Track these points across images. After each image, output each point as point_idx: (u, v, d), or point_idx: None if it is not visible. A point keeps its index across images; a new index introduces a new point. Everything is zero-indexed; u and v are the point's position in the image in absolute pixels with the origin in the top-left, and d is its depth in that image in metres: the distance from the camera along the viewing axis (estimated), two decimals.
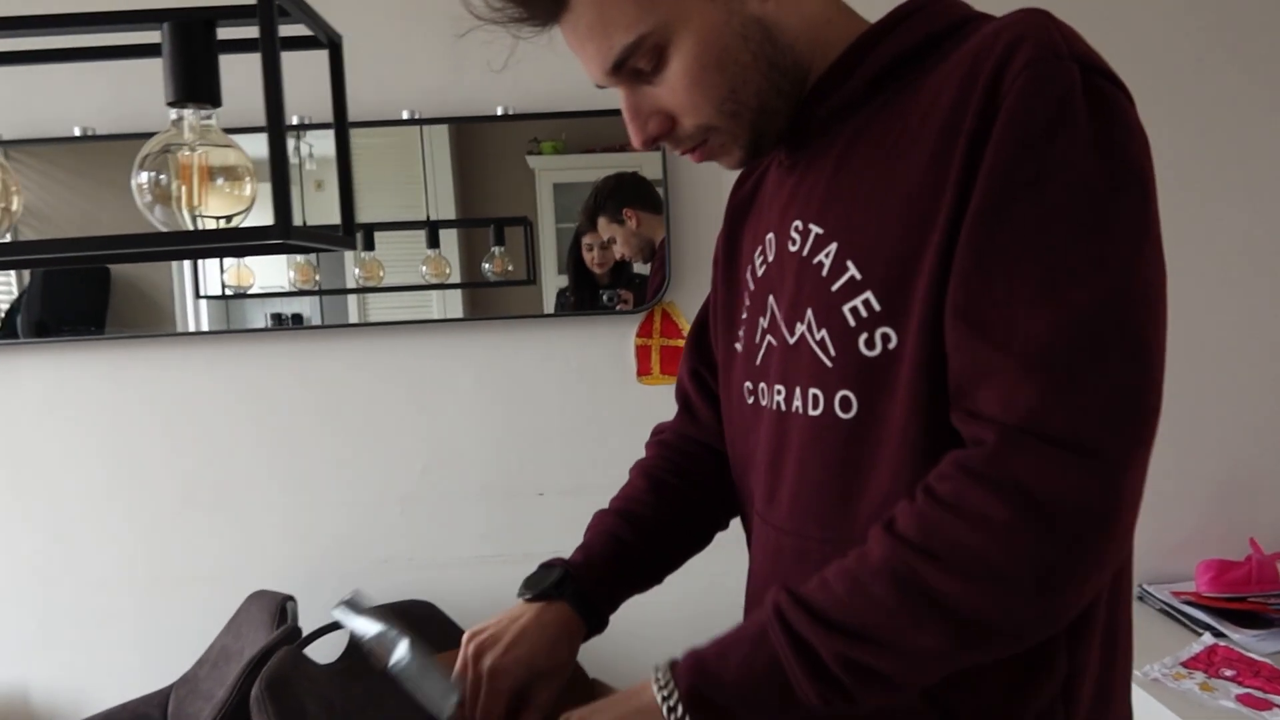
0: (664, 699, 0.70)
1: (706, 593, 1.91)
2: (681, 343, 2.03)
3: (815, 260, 0.77)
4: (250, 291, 2.00)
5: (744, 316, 0.90)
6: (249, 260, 2.00)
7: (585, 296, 2.00)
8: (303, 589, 1.85)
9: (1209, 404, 2.00)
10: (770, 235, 0.85)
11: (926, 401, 0.71)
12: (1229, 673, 1.64)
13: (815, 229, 0.78)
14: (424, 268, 1.99)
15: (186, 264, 1.99)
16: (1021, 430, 0.63)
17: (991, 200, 0.66)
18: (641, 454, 1.09)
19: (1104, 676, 0.77)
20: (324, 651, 1.70)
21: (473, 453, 2.00)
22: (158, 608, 1.98)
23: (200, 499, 1.98)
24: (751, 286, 0.88)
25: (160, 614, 1.98)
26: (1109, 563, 0.65)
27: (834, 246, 0.76)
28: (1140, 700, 1.59)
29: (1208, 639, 1.77)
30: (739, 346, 0.91)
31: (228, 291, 2.00)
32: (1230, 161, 2.01)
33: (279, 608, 1.70)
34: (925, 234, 0.69)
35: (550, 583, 0.93)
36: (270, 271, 2.02)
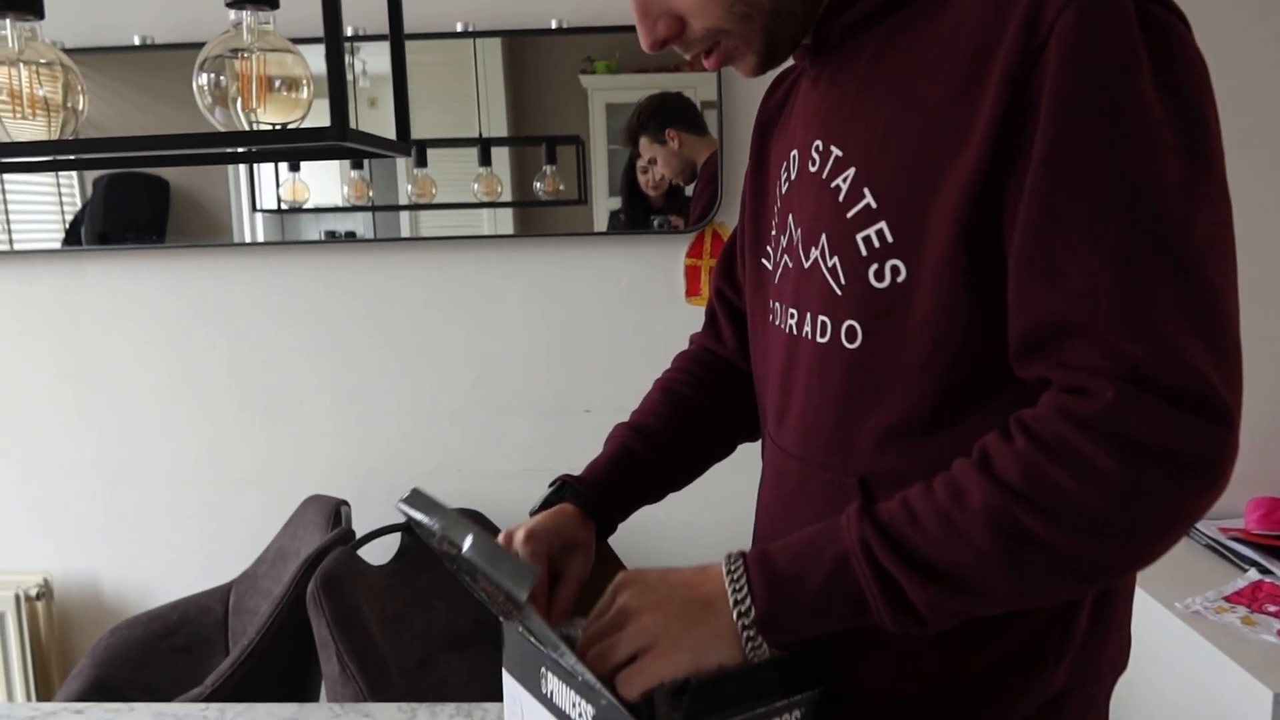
0: (739, 615, 0.68)
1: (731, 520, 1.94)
2: None
3: (833, 184, 0.76)
4: (305, 207, 2.03)
5: (772, 233, 0.89)
6: (304, 175, 2.03)
7: (638, 218, 2.00)
8: (355, 494, 1.91)
9: (1261, 342, 1.95)
10: (794, 152, 0.83)
11: (949, 340, 0.69)
12: (1272, 608, 1.63)
13: (835, 151, 0.76)
14: (476, 185, 1.99)
15: (244, 177, 2.01)
16: (1132, 383, 0.61)
17: (1056, 148, 0.63)
18: None
19: (1102, 601, 0.77)
20: (376, 555, 1.76)
21: (521, 369, 2.03)
22: (218, 508, 2.06)
23: (256, 405, 2.04)
24: (778, 203, 0.87)
25: (220, 514, 2.06)
26: (1204, 513, 0.64)
27: (852, 171, 0.74)
28: (1179, 632, 1.59)
29: (1253, 575, 1.75)
30: (766, 264, 0.90)
31: (283, 206, 2.03)
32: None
33: (333, 511, 1.76)
34: (947, 169, 0.67)
35: (550, 492, 0.94)
36: (325, 188, 2.04)
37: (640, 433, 1.00)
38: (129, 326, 2.03)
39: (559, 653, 0.70)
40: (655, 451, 0.99)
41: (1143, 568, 0.67)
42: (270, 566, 1.79)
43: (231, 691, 1.39)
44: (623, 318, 2.01)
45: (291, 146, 1.04)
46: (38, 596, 1.98)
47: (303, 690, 1.46)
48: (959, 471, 0.66)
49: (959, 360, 0.70)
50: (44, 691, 1.99)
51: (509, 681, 0.83)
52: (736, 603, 0.69)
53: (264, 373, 2.03)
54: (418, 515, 0.75)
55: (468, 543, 0.69)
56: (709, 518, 1.97)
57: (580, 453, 2.15)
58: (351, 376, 2.03)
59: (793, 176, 0.84)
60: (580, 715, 0.71)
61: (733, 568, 0.70)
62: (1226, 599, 1.68)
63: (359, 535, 1.72)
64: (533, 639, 0.76)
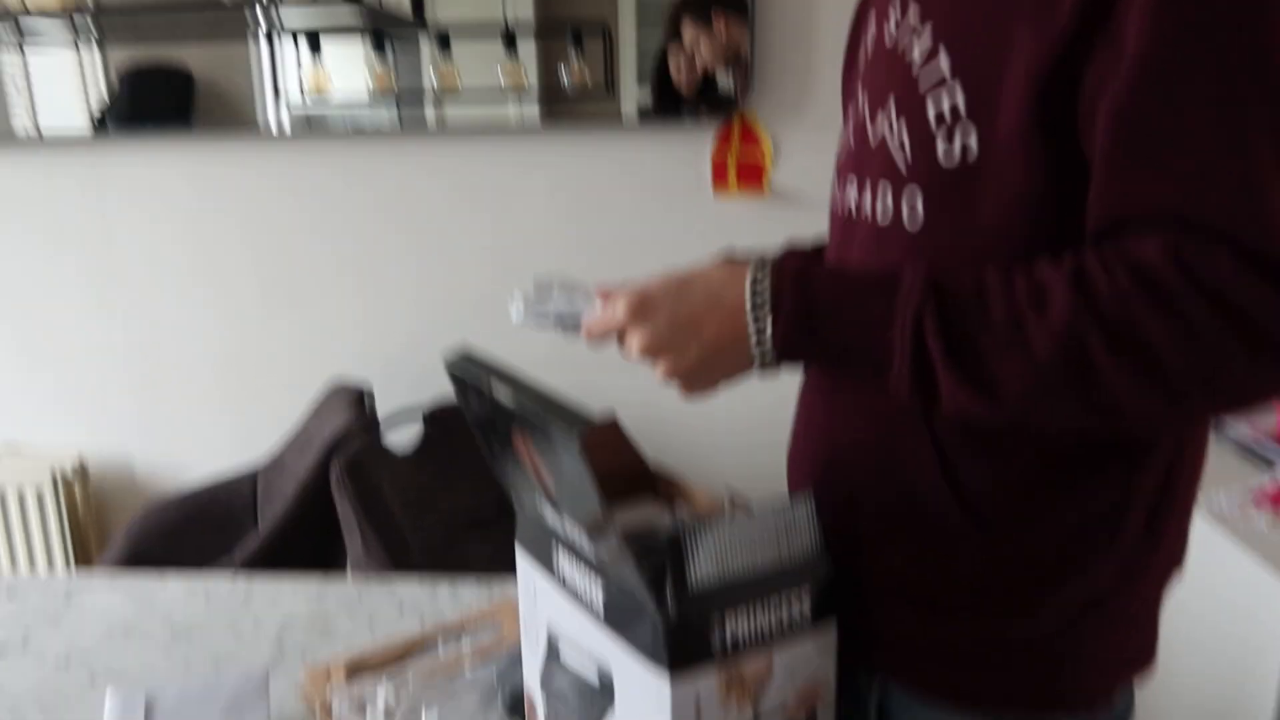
0: (756, 330, 0.66)
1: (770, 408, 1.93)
2: (761, 156, 1.96)
3: (906, 44, 0.72)
4: (329, 100, 1.99)
5: (852, 100, 0.84)
6: (328, 66, 1.98)
7: (667, 111, 1.94)
8: (378, 381, 1.93)
9: None
10: (875, 20, 0.79)
11: (1016, 226, 0.66)
12: None
13: (914, 8, 0.73)
14: (501, 76, 1.94)
15: (267, 67, 1.97)
16: (1242, 259, 0.58)
17: (1162, 21, 0.59)
18: None
19: (1160, 506, 0.75)
20: (399, 441, 1.78)
21: (544, 261, 2.01)
22: (245, 394, 2.09)
23: (279, 294, 2.04)
24: (861, 68, 0.83)
25: (247, 399, 2.09)
26: (1268, 390, 0.62)
27: (929, 27, 0.70)
28: (1203, 531, 1.59)
29: None
30: (845, 132, 0.86)
31: (307, 98, 2.00)
32: None
33: (356, 398, 1.78)
34: (1031, 31, 0.64)
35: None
36: (349, 82, 2.00)
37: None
38: (154, 215, 2.03)
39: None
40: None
41: (1193, 426, 0.65)
42: (298, 451, 1.82)
43: (259, 565, 1.43)
44: (648, 211, 1.98)
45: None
46: (74, 475, 2.04)
47: (328, 562, 1.50)
48: (1049, 278, 0.62)
49: (1025, 248, 0.66)
50: (83, 562, 2.06)
51: (523, 561, 0.84)
52: (755, 308, 0.66)
53: (286, 262, 2.03)
54: (463, 373, 0.74)
55: (517, 390, 0.67)
56: (719, 411, 1.96)
57: (635, 357, 2.13)
58: (374, 266, 2.02)
59: (869, 50, 0.80)
60: (591, 592, 0.71)
61: (761, 276, 0.67)
62: (1253, 498, 1.66)
63: (381, 420, 1.74)
64: (552, 512, 0.76)
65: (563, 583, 0.76)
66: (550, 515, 0.75)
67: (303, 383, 1.99)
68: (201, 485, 1.89)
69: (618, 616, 0.68)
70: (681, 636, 0.63)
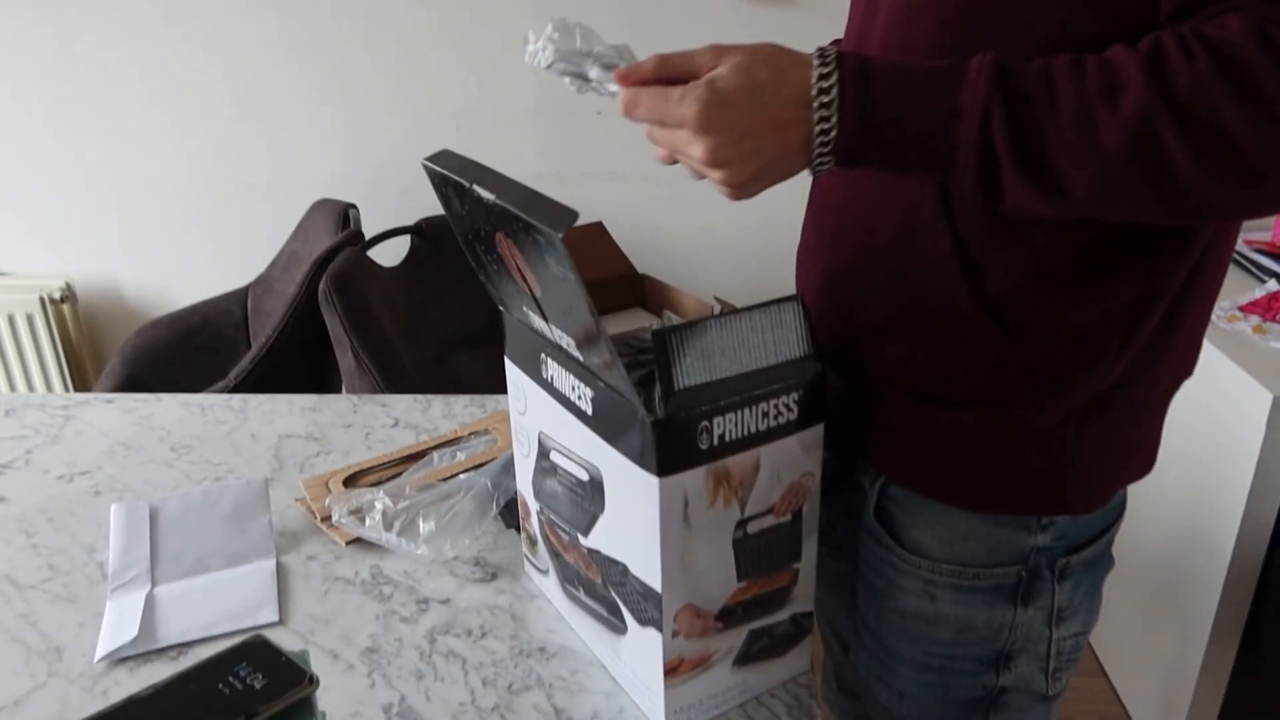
0: (820, 134, 0.61)
1: (767, 218, 1.90)
2: None
3: None
4: None
5: None
6: None
7: None
8: (363, 199, 1.88)
9: None
10: None
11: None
12: None
13: None
14: None
15: None
16: None
17: None
18: None
19: (1177, 307, 0.74)
20: (386, 257, 1.76)
21: (528, 69, 1.91)
22: (228, 214, 2.05)
23: (253, 111, 1.96)
24: None
25: (231, 220, 2.05)
26: None
27: None
28: None
29: (1272, 285, 1.73)
30: None
31: None
32: None
33: (341, 214, 1.74)
34: None
35: None
36: None
37: None
38: (117, 30, 1.92)
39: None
40: None
41: (1243, 219, 0.63)
42: (284, 270, 1.80)
43: (253, 386, 1.44)
44: (635, 12, 1.87)
45: None
46: (62, 299, 2.02)
47: (322, 387, 1.52)
48: (1122, 66, 0.58)
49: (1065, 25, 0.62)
50: (81, 389, 2.08)
51: (512, 370, 0.83)
52: (822, 107, 0.61)
53: (257, 77, 1.94)
54: (444, 171, 0.71)
55: (499, 188, 0.64)
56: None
57: (592, 156, 2.09)
58: (351, 80, 1.93)
59: None
60: (580, 397, 0.71)
61: (826, 71, 0.61)
62: (1241, 308, 1.67)
63: (368, 237, 1.71)
64: (538, 318, 0.75)
65: (552, 389, 0.76)
66: (538, 322, 0.74)
67: (286, 202, 1.95)
68: (191, 307, 1.89)
69: (606, 419, 0.68)
70: (669, 437, 0.64)
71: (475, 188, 0.67)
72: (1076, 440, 0.77)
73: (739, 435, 0.67)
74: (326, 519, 0.99)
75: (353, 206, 1.76)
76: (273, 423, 1.23)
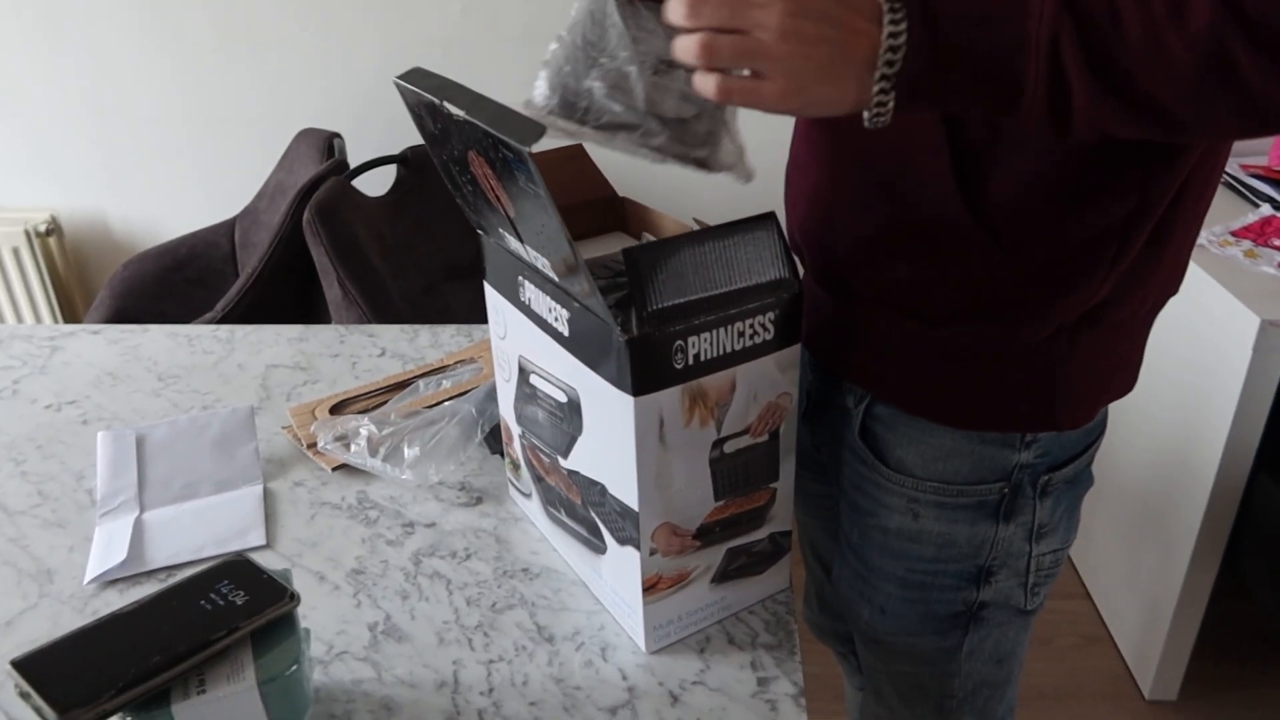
0: (883, 70, 0.57)
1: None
2: None
3: None
4: None
5: None
6: None
7: None
8: (348, 128, 1.86)
9: None
10: None
11: None
12: (1278, 242, 1.61)
13: None
14: None
15: None
16: None
17: None
18: None
19: (1168, 220, 0.73)
20: (372, 187, 1.74)
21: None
22: (213, 145, 2.02)
23: (234, 39, 1.92)
24: None
25: (216, 151, 2.02)
26: None
27: None
28: None
29: (1265, 210, 1.72)
30: None
31: None
32: None
33: (326, 144, 1.72)
34: None
35: None
36: None
37: None
38: None
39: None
40: None
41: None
42: (270, 201, 1.78)
43: (240, 317, 1.44)
44: None
45: None
46: (47, 233, 2.01)
47: (309, 317, 1.52)
48: None
49: None
50: (70, 321, 2.08)
51: (491, 294, 0.83)
52: (890, 44, 0.56)
53: (239, 3, 1.89)
54: (416, 89, 0.70)
55: (469, 104, 0.63)
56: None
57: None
58: (331, 6, 1.89)
59: None
60: (556, 319, 0.71)
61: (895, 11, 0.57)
62: (1233, 233, 1.66)
63: (353, 167, 1.69)
64: (514, 239, 0.75)
65: (529, 312, 0.76)
66: (514, 244, 0.74)
67: (271, 132, 1.92)
68: (179, 240, 1.87)
69: (582, 341, 0.69)
70: (643, 357, 0.64)
71: (445, 105, 0.66)
72: (1066, 356, 0.77)
73: (714, 355, 0.67)
74: (312, 445, 1.00)
75: (337, 136, 1.74)
76: (259, 353, 1.23)
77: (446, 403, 1.05)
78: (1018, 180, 0.71)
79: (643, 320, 0.63)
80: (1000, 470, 0.79)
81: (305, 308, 1.50)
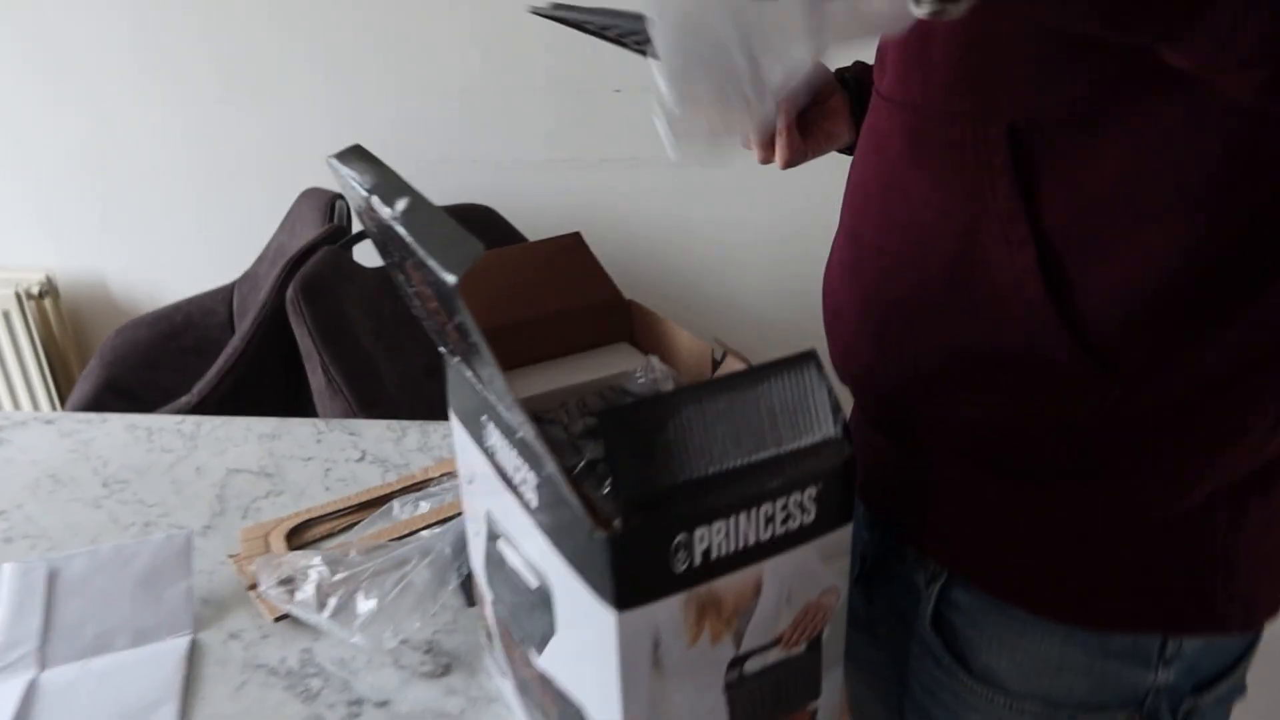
0: None
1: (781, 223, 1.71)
2: None
3: None
4: None
5: None
6: None
7: None
8: None
9: None
10: None
11: None
12: None
13: None
14: None
15: None
16: None
17: None
18: None
19: None
20: (373, 255, 1.59)
21: (539, 40, 1.72)
22: (216, 203, 1.89)
23: (241, 89, 1.80)
24: None
25: (222, 208, 1.90)
26: None
27: None
28: None
29: None
30: None
31: None
32: None
33: (329, 205, 1.57)
34: None
35: None
36: None
37: None
38: (95, 6, 1.76)
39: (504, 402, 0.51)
40: None
41: None
42: (270, 265, 1.64)
43: (220, 400, 1.29)
44: None
45: None
46: (42, 294, 1.89)
47: (299, 402, 1.36)
48: None
49: None
50: (66, 389, 1.95)
51: (457, 426, 0.66)
52: None
53: (244, 53, 1.77)
54: (349, 171, 0.54)
55: (400, 206, 0.47)
56: (752, 218, 1.74)
57: (610, 138, 1.88)
58: (343, 53, 1.75)
59: None
60: (523, 482, 0.53)
61: None
62: None
63: (355, 232, 1.54)
64: (470, 373, 0.57)
65: (495, 463, 0.58)
66: (470, 374, 0.56)
67: (277, 190, 1.78)
68: (174, 306, 1.74)
69: (553, 518, 0.50)
70: (631, 558, 0.45)
71: (374, 200, 0.49)
72: (1228, 531, 0.57)
73: (731, 549, 0.48)
74: (254, 587, 0.83)
75: (340, 197, 1.60)
76: (224, 453, 1.07)
77: (423, 532, 0.88)
78: (1131, 284, 0.52)
79: (630, 511, 0.45)
80: (1129, 694, 0.59)
81: (293, 389, 1.34)
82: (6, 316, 1.83)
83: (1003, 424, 0.58)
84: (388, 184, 0.51)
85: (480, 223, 1.62)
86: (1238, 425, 0.54)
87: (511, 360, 0.70)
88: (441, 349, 0.63)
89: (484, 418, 0.58)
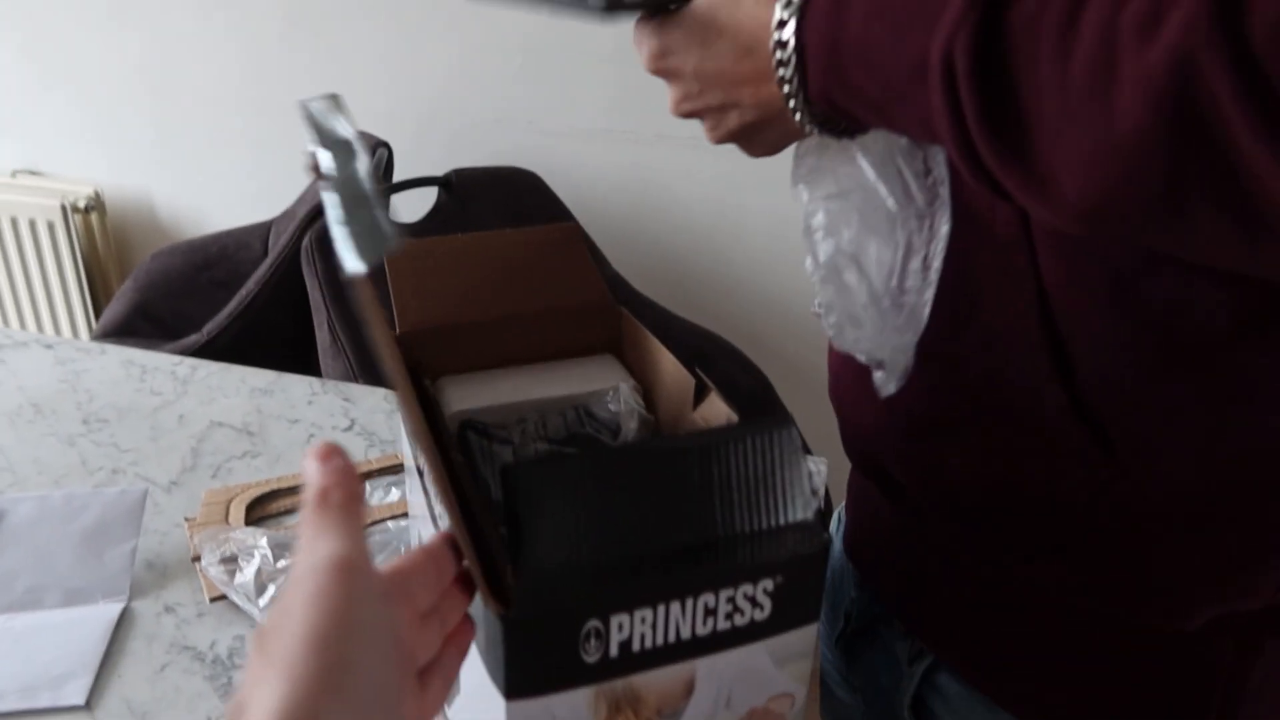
0: (787, 89, 0.43)
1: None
2: None
3: None
4: None
5: None
6: None
7: None
8: (407, 138, 1.65)
9: None
10: None
11: None
12: None
13: None
14: None
15: None
16: None
17: None
18: None
19: None
20: (411, 206, 1.53)
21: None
22: (269, 136, 1.85)
23: (303, 28, 1.75)
24: None
25: (272, 143, 1.85)
26: None
27: None
28: None
29: None
30: None
31: None
32: None
33: (370, 152, 1.51)
34: None
35: None
36: None
37: None
38: None
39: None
40: None
41: None
42: (307, 207, 1.59)
43: (229, 343, 1.25)
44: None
45: None
46: (88, 209, 1.87)
47: (306, 356, 1.31)
48: None
49: None
50: (103, 306, 1.94)
51: (403, 437, 0.59)
52: (780, 51, 0.42)
53: None
54: (317, 120, 0.47)
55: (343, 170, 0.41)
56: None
57: (670, 115, 1.77)
58: (407, 9, 1.68)
59: None
60: (440, 516, 0.46)
61: (784, 17, 0.42)
62: None
63: (387, 185, 1.48)
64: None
65: (424, 489, 0.50)
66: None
67: None
68: (211, 236, 1.70)
69: None
70: (528, 643, 0.38)
71: (316, 153, 0.42)
72: (1238, 662, 0.49)
73: (658, 643, 0.40)
74: (198, 559, 0.77)
75: (383, 145, 1.53)
76: (211, 402, 1.02)
77: (389, 523, 0.82)
78: (1132, 374, 0.45)
79: (529, 587, 0.37)
80: None
81: (305, 342, 1.29)
82: (51, 228, 1.82)
83: (990, 481, 0.51)
84: (343, 144, 0.43)
85: (524, 188, 1.54)
86: (1256, 547, 0.45)
87: (487, 356, 0.63)
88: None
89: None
